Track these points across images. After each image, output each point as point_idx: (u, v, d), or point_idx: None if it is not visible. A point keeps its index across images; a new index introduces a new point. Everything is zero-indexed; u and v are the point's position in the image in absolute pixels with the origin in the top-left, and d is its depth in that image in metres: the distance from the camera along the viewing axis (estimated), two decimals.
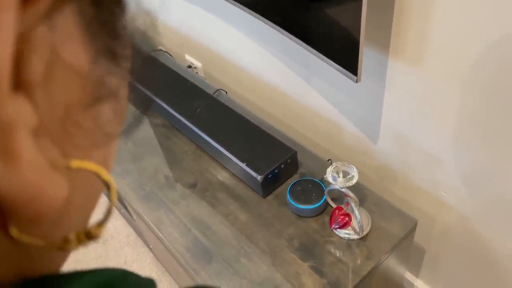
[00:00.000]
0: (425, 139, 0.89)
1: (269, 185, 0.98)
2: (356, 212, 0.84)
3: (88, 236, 0.16)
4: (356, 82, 0.76)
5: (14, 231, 0.13)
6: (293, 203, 0.93)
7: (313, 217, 0.94)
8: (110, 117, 0.16)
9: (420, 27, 0.74)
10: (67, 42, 0.13)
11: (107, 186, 0.16)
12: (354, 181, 0.83)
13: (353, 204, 0.85)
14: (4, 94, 0.11)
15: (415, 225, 0.92)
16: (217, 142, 1.05)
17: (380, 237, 0.89)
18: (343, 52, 0.78)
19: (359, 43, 0.71)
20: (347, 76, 0.78)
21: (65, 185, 0.14)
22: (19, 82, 0.11)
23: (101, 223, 0.16)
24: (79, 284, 0.15)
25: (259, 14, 0.95)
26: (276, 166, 0.97)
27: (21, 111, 0.12)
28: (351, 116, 1.05)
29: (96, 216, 0.18)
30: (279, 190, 1.01)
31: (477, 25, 0.66)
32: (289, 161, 1.00)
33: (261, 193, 0.99)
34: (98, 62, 0.14)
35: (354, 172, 0.84)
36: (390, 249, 0.88)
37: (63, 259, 0.18)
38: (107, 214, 0.16)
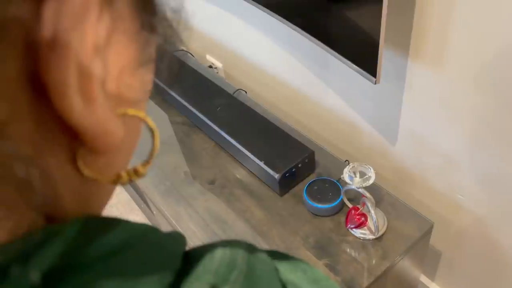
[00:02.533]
0: (443, 141, 0.89)
1: (286, 183, 1.00)
2: (373, 212, 0.85)
3: (136, 173, 0.20)
4: (375, 83, 0.77)
5: (81, 164, 0.17)
6: (309, 202, 0.94)
7: (329, 216, 0.95)
8: (150, 78, 0.20)
9: (440, 30, 0.75)
10: (121, 16, 0.16)
11: (152, 132, 0.20)
12: (371, 181, 0.84)
13: (369, 205, 0.86)
14: (90, 51, 0.15)
15: (431, 227, 0.92)
16: (236, 140, 1.07)
17: (396, 238, 0.90)
18: (363, 53, 0.79)
19: (378, 45, 0.72)
20: (366, 78, 0.79)
21: (122, 128, 0.17)
22: (94, 45, 0.15)
23: (145, 163, 0.20)
24: (122, 228, 0.18)
25: (279, 15, 0.96)
26: (294, 165, 0.99)
27: (96, 65, 0.15)
28: (369, 118, 1.06)
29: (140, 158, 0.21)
30: (295, 189, 1.02)
31: (497, 28, 0.67)
32: (306, 160, 1.01)
33: (278, 191, 1.00)
34: (141, 33, 0.18)
35: (371, 173, 0.85)
36: (405, 250, 0.88)
37: (109, 197, 0.22)
38: (151, 155, 0.20)
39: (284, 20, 0.95)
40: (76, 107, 0.15)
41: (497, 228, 0.90)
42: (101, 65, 0.15)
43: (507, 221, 0.87)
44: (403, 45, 0.83)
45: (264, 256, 0.22)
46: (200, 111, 1.17)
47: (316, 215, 0.96)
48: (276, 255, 0.23)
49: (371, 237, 0.89)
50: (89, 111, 0.15)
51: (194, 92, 1.25)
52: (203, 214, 1.00)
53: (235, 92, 1.30)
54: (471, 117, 0.80)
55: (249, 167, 1.08)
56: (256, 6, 1.02)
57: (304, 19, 0.91)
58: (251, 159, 1.03)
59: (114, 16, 0.16)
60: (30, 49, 0.13)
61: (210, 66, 1.61)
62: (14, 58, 0.13)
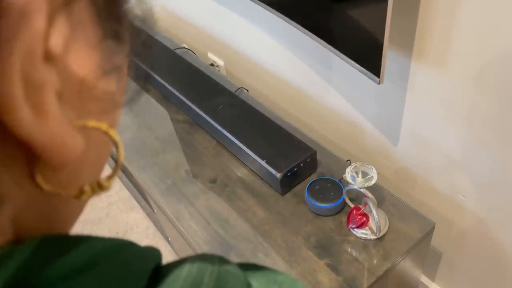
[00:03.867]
0: (445, 141, 0.89)
1: (287, 183, 1.00)
2: (374, 212, 0.85)
3: (100, 187, 0.19)
4: (379, 83, 0.77)
5: (39, 179, 0.16)
6: (311, 201, 0.94)
7: (330, 216, 0.95)
8: (115, 88, 0.19)
9: (444, 30, 0.74)
10: (81, 24, 0.16)
11: (115, 145, 0.19)
12: (373, 181, 0.84)
13: (371, 205, 0.86)
14: (38, 61, 0.14)
15: (433, 228, 0.92)
16: (238, 139, 1.07)
17: (397, 238, 0.90)
18: (366, 53, 0.79)
19: (383, 45, 0.72)
20: (370, 78, 0.79)
21: (82, 141, 0.16)
22: (46, 54, 0.14)
23: (110, 177, 0.20)
24: (87, 247, 0.17)
25: (282, 14, 0.96)
26: (295, 164, 0.99)
27: (49, 76, 0.14)
28: (371, 117, 1.05)
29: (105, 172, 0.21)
30: (297, 188, 1.02)
31: (500, 29, 0.66)
32: (308, 160, 1.01)
33: (279, 191, 1.00)
34: (105, 42, 0.17)
35: (373, 173, 0.85)
36: (407, 250, 0.88)
37: (78, 212, 0.21)
38: (116, 169, 0.20)
39: (287, 19, 0.95)
40: (26, 120, 0.14)
41: (498, 229, 0.90)
42: (57, 75, 0.15)
43: (508, 222, 0.87)
44: (407, 46, 0.83)
45: (236, 271, 0.21)
46: (202, 109, 1.17)
47: (318, 214, 0.96)
48: (250, 269, 0.22)
49: (373, 237, 0.89)
50: (41, 124, 0.14)
51: (196, 90, 1.25)
52: (204, 213, 1.00)
53: (237, 90, 1.29)
54: (474, 118, 0.80)
55: (251, 166, 1.08)
56: (258, 4, 1.01)
57: (307, 18, 0.91)
58: (253, 158, 1.02)
59: (73, 24, 0.15)
60: None
61: (212, 64, 1.61)
62: None
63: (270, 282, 0.21)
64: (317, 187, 0.97)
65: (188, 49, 1.54)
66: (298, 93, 1.27)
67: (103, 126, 0.18)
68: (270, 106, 1.29)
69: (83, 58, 0.16)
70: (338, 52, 0.84)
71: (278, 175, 0.96)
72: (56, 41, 0.14)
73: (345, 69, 1.03)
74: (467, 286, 1.10)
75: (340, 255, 0.89)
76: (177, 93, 1.25)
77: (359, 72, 0.83)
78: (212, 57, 1.62)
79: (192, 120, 1.24)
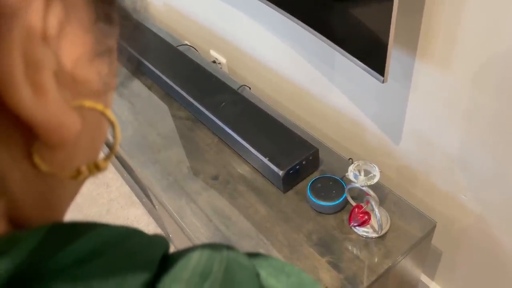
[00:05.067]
0: (447, 141, 0.89)
1: (289, 180, 1.00)
2: (376, 210, 0.86)
3: (97, 167, 0.19)
4: (383, 82, 0.77)
5: (37, 159, 0.16)
6: (313, 199, 0.94)
7: (332, 214, 0.95)
8: (108, 71, 0.19)
9: (449, 30, 0.75)
10: (74, 7, 0.16)
11: (112, 125, 0.20)
12: (376, 180, 0.84)
13: (373, 203, 0.86)
14: (37, 40, 0.14)
15: (434, 227, 0.93)
16: (240, 136, 1.07)
17: (399, 237, 0.90)
18: (371, 52, 0.79)
19: (387, 44, 0.72)
20: (374, 76, 0.79)
21: (79, 120, 0.17)
22: (43, 35, 0.15)
23: (107, 157, 0.20)
24: (94, 234, 0.17)
25: (286, 11, 0.96)
26: (298, 162, 0.99)
27: (46, 55, 0.15)
28: (373, 116, 1.06)
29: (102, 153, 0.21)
30: (299, 186, 1.02)
31: (506, 29, 0.66)
32: (310, 158, 1.01)
33: (281, 188, 1.01)
34: (97, 24, 0.18)
35: (375, 171, 0.85)
36: (408, 249, 0.89)
37: (73, 194, 0.21)
38: (113, 149, 0.20)
39: (291, 16, 0.95)
40: (26, 99, 0.14)
41: (499, 228, 0.91)
42: (53, 56, 0.15)
43: (509, 221, 0.88)
44: (411, 45, 0.83)
45: (245, 261, 0.21)
46: (204, 106, 1.17)
47: (320, 212, 0.96)
48: (258, 259, 0.22)
49: (374, 235, 0.90)
50: (41, 103, 0.15)
51: (198, 87, 1.25)
52: (206, 210, 1.01)
53: (239, 88, 1.29)
54: (476, 117, 0.80)
55: (253, 164, 1.08)
56: (262, 1, 1.01)
57: (311, 16, 0.91)
58: (255, 155, 1.03)
59: (67, 6, 0.16)
60: None
61: (214, 61, 1.61)
62: None
63: (278, 272, 0.21)
64: (319, 185, 0.97)
65: (190, 46, 1.54)
66: (300, 91, 1.27)
67: (99, 106, 0.18)
68: (272, 104, 1.29)
69: (77, 41, 0.16)
70: (342, 51, 0.85)
71: (281, 172, 0.97)
72: (52, 23, 0.15)
73: (347, 67, 1.03)
74: (467, 285, 1.10)
75: (341, 253, 0.89)
76: (179, 90, 1.25)
77: (362, 71, 0.83)
78: (214, 54, 1.62)
79: (194, 117, 1.24)
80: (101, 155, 0.21)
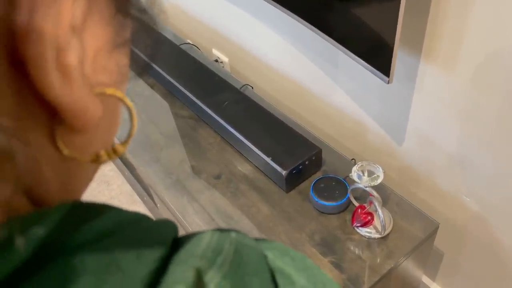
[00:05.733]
0: (451, 142, 0.89)
1: (292, 180, 1.00)
2: (380, 211, 0.86)
3: (115, 152, 0.20)
4: (388, 83, 0.77)
5: (60, 143, 0.17)
6: (316, 199, 0.94)
7: (335, 214, 0.95)
8: (125, 62, 0.20)
9: (454, 32, 0.75)
10: (97, 0, 0.17)
11: (129, 111, 0.21)
12: (379, 180, 0.84)
13: (376, 204, 0.86)
14: (67, 28, 0.15)
15: (437, 228, 0.93)
16: (243, 135, 1.07)
17: (401, 237, 0.90)
18: (376, 52, 0.79)
19: (393, 45, 0.72)
20: (379, 77, 0.79)
21: (100, 106, 0.18)
22: (70, 23, 0.15)
23: (124, 142, 0.21)
24: (111, 215, 0.18)
25: (290, 10, 0.96)
26: (301, 162, 0.99)
27: (74, 43, 0.15)
28: (376, 117, 1.06)
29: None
30: (301, 186, 1.02)
31: (511, 32, 0.66)
32: (313, 158, 1.01)
33: (284, 188, 1.00)
34: (116, 17, 0.18)
35: (379, 172, 0.85)
36: (411, 250, 0.89)
37: (90, 178, 0.22)
38: (130, 134, 0.21)
39: (295, 16, 0.95)
40: (55, 83, 0.15)
41: (501, 230, 0.91)
42: (79, 45, 0.16)
43: (511, 223, 0.88)
44: (416, 46, 0.83)
45: (252, 242, 0.22)
46: (207, 105, 1.17)
47: (322, 212, 0.96)
48: (264, 242, 0.23)
49: (377, 236, 0.90)
50: (68, 88, 0.15)
51: (201, 86, 1.25)
52: (208, 209, 1.00)
53: (241, 87, 1.29)
54: (480, 119, 0.80)
55: (255, 163, 1.08)
56: (266, 0, 1.01)
57: (316, 16, 0.91)
58: (258, 154, 1.03)
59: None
60: (8, 27, 0.14)
61: (216, 60, 1.60)
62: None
63: (283, 254, 0.22)
64: (322, 185, 0.97)
65: (192, 44, 1.54)
66: (303, 91, 1.27)
67: (119, 93, 0.19)
68: (274, 103, 1.29)
69: (98, 32, 0.17)
70: (348, 51, 0.84)
71: (284, 172, 0.97)
72: (77, 14, 0.15)
73: (351, 67, 1.03)
74: (469, 286, 1.10)
75: (344, 253, 0.89)
76: (182, 89, 1.24)
77: (365, 71, 0.83)
78: (217, 53, 1.61)
79: (197, 116, 1.24)
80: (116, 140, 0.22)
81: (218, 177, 1.07)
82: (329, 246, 0.90)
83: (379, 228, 0.89)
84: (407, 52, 0.86)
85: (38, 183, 0.17)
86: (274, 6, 0.99)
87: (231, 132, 1.09)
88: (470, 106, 0.81)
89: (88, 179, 0.21)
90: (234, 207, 1.00)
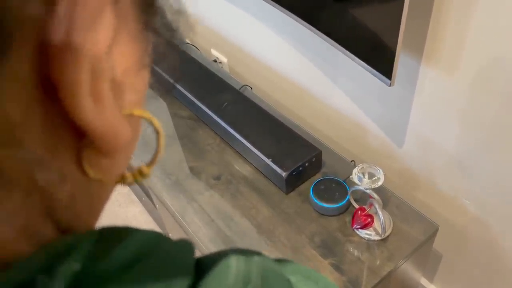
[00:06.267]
0: (451, 145, 0.90)
1: (292, 182, 1.00)
2: (380, 213, 0.86)
3: (141, 173, 0.20)
4: (390, 85, 0.77)
5: (87, 166, 0.17)
6: (316, 201, 0.94)
7: (335, 216, 0.95)
8: (148, 80, 0.20)
9: (456, 35, 0.75)
10: (125, 16, 0.16)
11: (157, 132, 0.20)
12: (380, 183, 0.84)
13: (377, 206, 0.86)
14: (103, 49, 0.15)
15: (436, 230, 0.93)
16: (243, 136, 1.06)
17: (401, 240, 0.91)
18: (378, 55, 0.79)
19: (396, 47, 0.72)
20: (381, 80, 0.79)
21: (129, 128, 0.17)
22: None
23: (150, 164, 0.20)
24: (133, 239, 0.17)
25: (291, 12, 0.96)
26: (301, 164, 0.99)
27: (105, 65, 0.15)
28: (376, 119, 1.06)
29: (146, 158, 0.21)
30: (301, 187, 1.02)
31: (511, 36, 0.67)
32: (313, 159, 1.01)
33: (284, 189, 1.00)
34: (144, 34, 0.18)
35: (380, 174, 0.86)
36: (411, 252, 0.89)
37: (108, 198, 0.21)
38: (155, 156, 0.20)
39: (296, 17, 0.95)
40: (88, 108, 0.14)
41: (500, 232, 0.91)
42: (109, 65, 0.15)
43: (510, 225, 0.88)
44: (417, 49, 0.83)
45: (276, 266, 0.21)
46: (206, 106, 1.17)
47: (322, 214, 0.96)
48: (285, 265, 0.23)
49: (377, 238, 0.90)
50: (99, 112, 0.15)
51: (200, 86, 1.25)
52: (208, 210, 1.00)
53: (241, 88, 1.29)
54: (481, 122, 0.80)
55: (255, 164, 1.07)
56: (265, 0, 1.01)
57: (317, 18, 0.91)
58: (258, 156, 1.02)
59: (119, 17, 0.16)
60: (42, 49, 0.13)
61: (215, 61, 1.60)
62: (27, 58, 0.13)
63: (306, 278, 0.22)
64: (322, 187, 0.97)
65: (191, 44, 1.53)
66: (302, 92, 1.27)
67: (147, 114, 0.19)
68: (273, 104, 1.29)
69: (127, 50, 0.17)
70: (349, 53, 0.85)
71: (284, 174, 0.97)
72: (109, 33, 0.15)
73: (351, 69, 1.03)
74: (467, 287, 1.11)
75: (343, 255, 0.89)
76: (181, 89, 1.24)
77: (365, 73, 0.83)
78: (216, 53, 1.61)
79: (196, 117, 1.24)
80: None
81: (217, 178, 1.07)
82: (329, 248, 0.90)
83: (379, 230, 0.89)
84: (408, 55, 0.86)
85: (63, 206, 0.17)
86: (274, 6, 0.99)
87: (231, 133, 1.09)
88: (470, 109, 0.81)
89: (107, 199, 0.21)
90: (233, 208, 1.00)
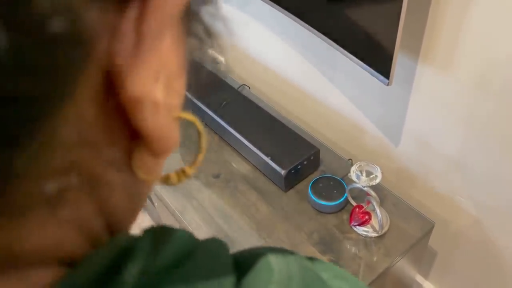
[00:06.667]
0: (446, 144, 0.91)
1: (291, 180, 1.01)
2: (378, 210, 0.87)
3: (184, 174, 0.21)
4: (388, 85, 0.79)
5: (136, 167, 0.17)
6: (314, 199, 0.96)
7: (332, 213, 0.97)
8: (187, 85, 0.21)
9: (452, 35, 0.76)
10: (171, 22, 0.17)
11: (199, 133, 0.21)
12: (378, 180, 0.86)
13: (374, 203, 0.88)
14: (164, 63, 0.15)
15: (432, 227, 0.95)
16: (242, 135, 1.07)
17: (398, 236, 0.92)
18: (377, 54, 0.80)
19: (394, 47, 0.73)
20: (379, 79, 0.81)
21: (178, 130, 0.18)
22: None
23: (193, 164, 0.21)
24: (176, 237, 0.18)
25: (289, 12, 0.97)
26: (299, 162, 1.00)
27: (164, 73, 0.15)
28: (373, 118, 1.07)
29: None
30: (299, 185, 1.04)
31: (508, 35, 0.68)
32: (311, 158, 1.02)
33: (283, 187, 1.02)
34: (186, 39, 0.18)
35: (377, 172, 0.87)
36: (407, 249, 0.91)
37: (146, 199, 0.22)
38: (198, 157, 0.21)
39: (295, 18, 0.96)
40: (149, 114, 0.15)
41: (494, 230, 0.93)
42: (165, 72, 0.16)
43: (504, 223, 0.90)
44: (414, 48, 0.85)
45: (310, 264, 0.22)
46: (205, 105, 1.17)
47: (320, 211, 0.97)
48: (318, 263, 0.23)
49: (374, 234, 0.91)
50: (157, 117, 0.15)
51: (199, 85, 1.25)
52: (207, 208, 1.01)
53: (239, 87, 1.30)
54: (476, 121, 0.82)
55: (254, 163, 1.09)
56: (263, 0, 1.02)
57: (315, 18, 0.92)
58: (257, 154, 1.04)
59: (174, 26, 0.16)
60: (109, 59, 0.14)
61: (213, 59, 1.61)
62: (96, 68, 0.13)
63: (336, 276, 0.22)
64: (320, 184, 0.98)
65: None
66: (299, 92, 1.28)
67: (191, 116, 0.19)
68: (271, 103, 1.30)
69: (174, 55, 0.17)
70: (347, 53, 0.86)
71: (283, 172, 0.98)
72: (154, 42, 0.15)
73: (349, 69, 1.04)
74: (460, 285, 1.13)
75: (341, 251, 0.91)
76: None
77: (363, 73, 0.85)
78: (213, 53, 1.62)
79: (195, 115, 1.24)
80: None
81: (217, 176, 1.08)
82: (327, 245, 0.92)
83: (377, 227, 0.91)
84: (405, 55, 0.88)
85: (112, 206, 0.17)
86: (273, 6, 1.00)
87: (230, 131, 1.10)
88: (466, 108, 0.83)
89: (146, 199, 0.22)
90: (233, 206, 1.01)
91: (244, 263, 0.20)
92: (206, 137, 0.21)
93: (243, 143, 1.07)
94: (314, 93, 1.23)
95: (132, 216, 0.20)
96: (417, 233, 0.93)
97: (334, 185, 0.98)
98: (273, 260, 0.20)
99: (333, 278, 0.22)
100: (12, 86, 0.11)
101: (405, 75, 0.90)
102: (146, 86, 0.14)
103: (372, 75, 0.82)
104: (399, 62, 0.89)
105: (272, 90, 1.42)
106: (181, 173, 0.20)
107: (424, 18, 0.79)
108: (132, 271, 0.15)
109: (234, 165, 1.10)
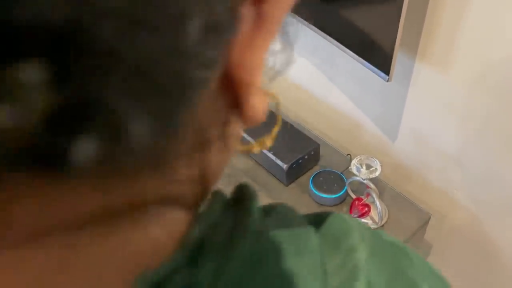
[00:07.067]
0: (443, 140, 0.95)
1: (292, 174, 1.04)
2: (377, 202, 0.90)
3: (263, 144, 0.23)
4: (387, 81, 0.82)
5: (232, 138, 0.19)
6: (315, 192, 0.99)
7: (333, 206, 1.00)
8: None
9: (449, 33, 0.80)
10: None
11: (277, 104, 0.23)
12: (377, 173, 0.89)
13: (374, 195, 0.91)
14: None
15: (429, 218, 0.98)
16: (245, 131, 1.10)
17: (396, 227, 0.95)
18: (377, 51, 0.83)
19: (394, 44, 0.77)
20: (379, 76, 0.84)
21: (267, 103, 0.19)
22: None
23: (271, 136, 0.23)
24: (258, 208, 0.20)
25: (292, 11, 1.00)
26: (301, 156, 1.03)
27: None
28: (371, 115, 1.10)
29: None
30: (300, 179, 1.06)
31: (505, 34, 0.72)
32: (312, 153, 1.05)
33: (284, 182, 1.04)
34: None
35: (377, 165, 0.90)
36: (405, 239, 0.94)
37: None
38: (275, 129, 0.24)
39: (296, 17, 0.99)
40: (256, 93, 0.17)
41: (488, 223, 0.96)
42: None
43: (498, 217, 0.93)
44: (412, 46, 0.88)
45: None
46: None
47: (321, 204, 1.00)
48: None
49: (373, 226, 0.94)
50: (257, 95, 0.17)
51: None
52: None
53: None
54: (472, 117, 0.86)
55: (255, 157, 1.11)
56: None
57: (316, 16, 0.95)
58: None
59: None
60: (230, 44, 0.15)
61: None
62: (224, 54, 0.15)
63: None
64: (321, 178, 1.01)
65: None
66: (298, 90, 1.31)
67: (272, 92, 0.21)
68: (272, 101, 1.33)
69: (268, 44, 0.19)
70: (348, 50, 0.89)
71: (285, 166, 1.00)
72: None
73: (348, 67, 1.07)
74: (455, 277, 1.16)
75: None
76: None
77: (362, 69, 0.88)
78: None
79: None
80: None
81: None
82: None
83: (376, 218, 0.94)
84: (403, 52, 0.91)
85: (210, 168, 0.19)
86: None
87: None
88: (462, 105, 0.86)
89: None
90: None
91: (312, 221, 0.21)
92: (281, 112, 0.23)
93: (244, 138, 1.09)
94: (313, 90, 1.26)
95: (217, 180, 0.22)
96: (414, 224, 0.96)
97: (334, 179, 1.01)
98: (345, 216, 0.22)
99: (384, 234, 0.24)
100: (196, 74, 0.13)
101: (404, 73, 0.93)
102: (257, 70, 0.16)
103: (373, 71, 0.85)
104: (398, 60, 0.92)
105: (273, 87, 1.44)
106: (262, 143, 0.23)
107: (422, 16, 0.83)
108: (253, 207, 0.18)
109: (236, 160, 1.13)
